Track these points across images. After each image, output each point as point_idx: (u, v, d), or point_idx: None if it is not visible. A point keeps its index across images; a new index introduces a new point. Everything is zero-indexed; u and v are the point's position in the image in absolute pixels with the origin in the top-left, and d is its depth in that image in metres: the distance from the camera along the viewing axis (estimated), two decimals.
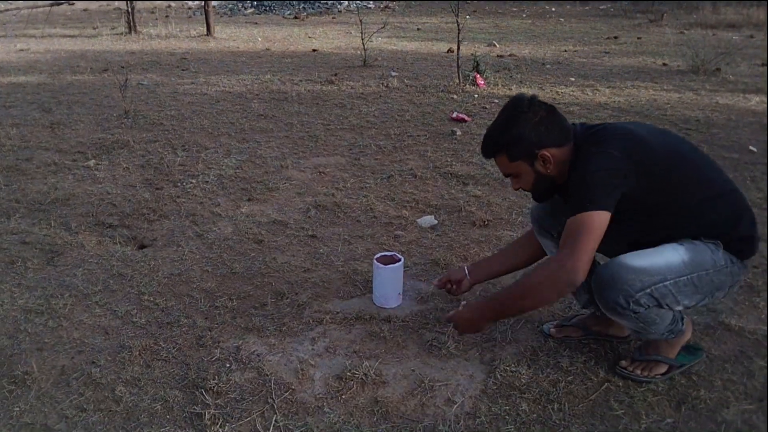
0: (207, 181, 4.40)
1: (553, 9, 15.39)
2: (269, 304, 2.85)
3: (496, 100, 6.55)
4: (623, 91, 7.01)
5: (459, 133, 5.32)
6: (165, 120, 6.02)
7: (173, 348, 2.49)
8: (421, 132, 5.45)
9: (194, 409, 2.10)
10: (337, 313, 2.74)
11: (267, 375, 2.29)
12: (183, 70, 8.74)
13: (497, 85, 7.21)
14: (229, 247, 3.43)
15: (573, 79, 7.65)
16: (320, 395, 2.17)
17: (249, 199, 4.10)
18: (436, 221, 3.72)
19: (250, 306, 2.83)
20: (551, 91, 7.00)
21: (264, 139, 5.35)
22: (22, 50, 11.13)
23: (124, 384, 2.25)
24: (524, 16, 14.54)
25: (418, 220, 3.73)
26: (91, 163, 4.80)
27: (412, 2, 17.24)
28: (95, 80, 8.16)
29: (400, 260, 2.81)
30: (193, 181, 4.41)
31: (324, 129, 5.61)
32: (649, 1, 14.69)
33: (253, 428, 2.02)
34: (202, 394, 2.17)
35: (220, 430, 2.00)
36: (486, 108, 6.24)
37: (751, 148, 5.04)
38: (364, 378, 2.24)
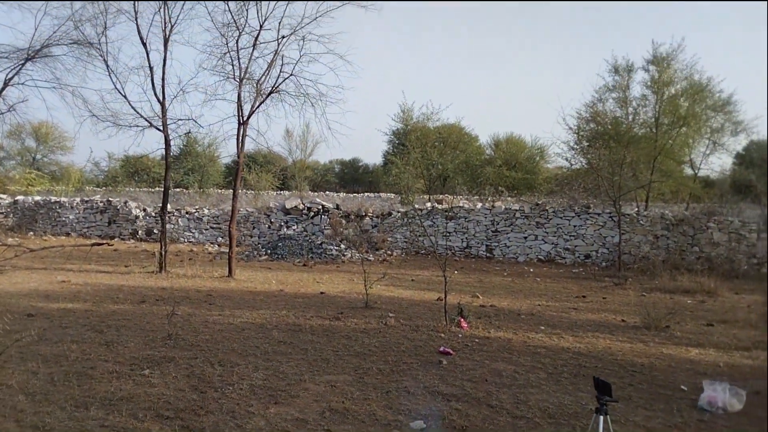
0: (241, 388, 5.47)
1: (531, 270, 17.47)
2: None
3: (477, 340, 7.83)
4: (584, 339, 8.33)
5: (445, 362, 6.50)
6: (201, 342, 7.22)
7: None
8: (413, 360, 6.64)
9: None
10: None
11: None
12: (210, 304, 10.14)
13: (478, 328, 8.55)
14: None
15: (543, 327, 9.02)
16: None
17: (276, 403, 5.15)
18: (425, 425, 4.75)
19: None
20: (523, 335, 8.33)
21: (284, 360, 6.51)
22: (63, 282, 12.66)
23: None
24: (505, 274, 16.52)
25: (411, 424, 4.76)
26: (146, 371, 5.90)
27: (408, 257, 19.50)
28: (135, 309, 9.50)
29: None
30: (230, 388, 5.49)
31: (333, 354, 6.80)
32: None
33: None
34: None
35: None
36: (468, 345, 7.49)
37: (682, 387, 6.20)
38: None
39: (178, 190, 37.03)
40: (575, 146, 23.97)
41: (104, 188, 35.14)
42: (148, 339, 7.33)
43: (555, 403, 5.43)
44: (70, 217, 23.68)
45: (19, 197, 24.75)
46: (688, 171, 26.93)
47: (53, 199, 24.48)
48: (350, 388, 5.60)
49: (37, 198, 24.77)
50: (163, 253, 14.45)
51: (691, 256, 17.94)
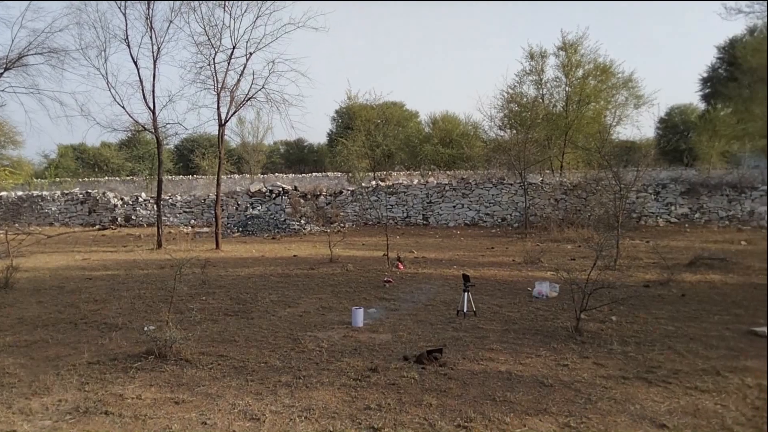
0: (266, 302, 9.24)
1: (458, 232, 21.64)
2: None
3: (409, 275, 11.79)
4: (480, 271, 12.39)
5: (387, 286, 10.40)
6: (226, 285, 10.88)
7: None
8: (368, 286, 10.54)
9: None
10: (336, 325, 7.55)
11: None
12: (214, 266, 13.70)
13: (410, 269, 12.50)
14: (285, 318, 8.21)
15: (455, 267, 13.04)
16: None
17: (289, 306, 8.94)
18: (375, 310, 8.62)
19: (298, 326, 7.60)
20: (441, 271, 12.32)
21: (285, 290, 10.28)
22: (84, 259, 15.87)
23: None
24: (437, 237, 20.61)
25: (368, 310, 8.62)
26: (204, 298, 9.57)
27: (358, 228, 23.33)
28: (161, 272, 12.99)
29: (361, 308, 7.71)
30: (259, 302, 9.23)
31: (316, 286, 10.63)
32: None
33: None
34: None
35: None
36: (403, 278, 11.42)
37: (528, 288, 10.27)
38: None
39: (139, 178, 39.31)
40: (490, 129, 28.30)
41: (74, 179, 37.23)
42: (190, 285, 10.94)
43: (451, 298, 9.42)
44: (53, 208, 26.37)
45: (3, 193, 27.18)
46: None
47: (35, 193, 27.06)
48: (331, 299, 9.45)
49: (20, 193, 27.28)
50: (160, 233, 17.81)
51: (585, 214, 22.44)
